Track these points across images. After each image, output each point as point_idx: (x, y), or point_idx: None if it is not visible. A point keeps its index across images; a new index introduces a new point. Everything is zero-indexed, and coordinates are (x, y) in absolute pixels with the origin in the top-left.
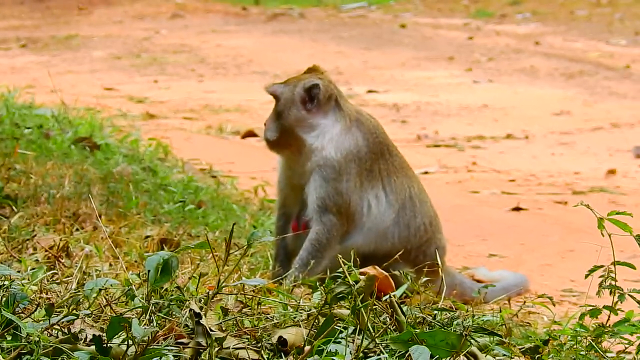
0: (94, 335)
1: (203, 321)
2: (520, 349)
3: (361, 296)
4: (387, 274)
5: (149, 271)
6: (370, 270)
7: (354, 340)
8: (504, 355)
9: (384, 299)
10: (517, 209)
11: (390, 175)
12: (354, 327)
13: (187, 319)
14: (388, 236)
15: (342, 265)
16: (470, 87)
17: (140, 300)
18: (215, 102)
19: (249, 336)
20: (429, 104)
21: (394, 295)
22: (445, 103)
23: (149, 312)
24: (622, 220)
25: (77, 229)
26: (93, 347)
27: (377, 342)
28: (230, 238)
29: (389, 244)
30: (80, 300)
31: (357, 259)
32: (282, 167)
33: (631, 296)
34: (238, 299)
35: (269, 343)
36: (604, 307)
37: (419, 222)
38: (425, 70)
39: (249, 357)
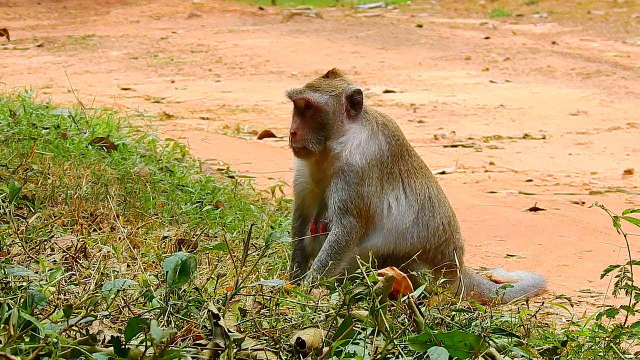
0: (112, 336)
1: (221, 322)
2: (538, 350)
3: (379, 297)
4: (405, 275)
5: (167, 272)
6: (388, 271)
7: (372, 342)
8: (522, 356)
9: (402, 300)
10: (535, 209)
11: (410, 176)
12: (372, 328)
13: (206, 320)
14: (407, 237)
15: (361, 267)
16: (487, 87)
17: (158, 302)
18: (232, 102)
19: (267, 337)
20: (446, 104)
21: (412, 296)
22: (462, 103)
23: (167, 313)
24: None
25: (94, 230)
26: (111, 348)
27: (396, 343)
28: (249, 239)
29: (408, 244)
30: (99, 302)
31: (376, 260)
32: (300, 169)
33: None
34: (256, 300)
35: (287, 344)
36: (621, 307)
37: (437, 223)
38: (442, 70)
39: (267, 359)
